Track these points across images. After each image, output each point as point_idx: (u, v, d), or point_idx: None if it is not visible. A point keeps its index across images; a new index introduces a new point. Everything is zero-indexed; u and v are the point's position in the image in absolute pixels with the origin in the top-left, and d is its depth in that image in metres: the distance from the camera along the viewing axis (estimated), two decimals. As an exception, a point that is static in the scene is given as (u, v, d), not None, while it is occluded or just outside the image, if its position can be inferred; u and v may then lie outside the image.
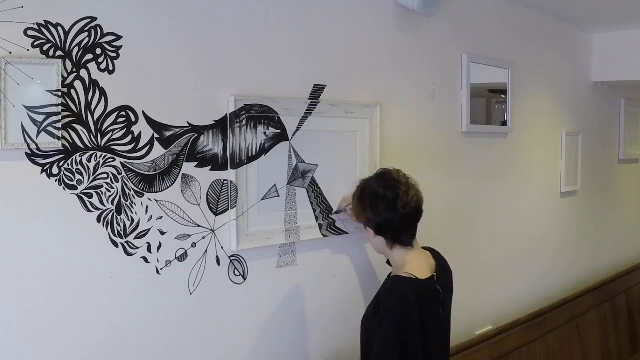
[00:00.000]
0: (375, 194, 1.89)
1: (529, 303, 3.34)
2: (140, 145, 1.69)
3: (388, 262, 2.03)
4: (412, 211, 1.87)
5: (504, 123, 3.10)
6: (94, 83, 1.59)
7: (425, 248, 2.00)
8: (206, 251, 1.85)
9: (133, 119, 1.67)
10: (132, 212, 1.68)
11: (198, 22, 1.80)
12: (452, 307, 2.01)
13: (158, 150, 1.73)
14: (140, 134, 1.69)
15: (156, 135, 1.72)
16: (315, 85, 2.13)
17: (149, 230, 1.72)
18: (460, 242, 2.84)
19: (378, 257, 2.41)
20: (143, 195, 1.70)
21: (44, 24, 1.49)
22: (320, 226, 2.14)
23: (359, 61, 2.29)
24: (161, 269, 1.75)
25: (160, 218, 1.74)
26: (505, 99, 3.08)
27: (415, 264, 1.87)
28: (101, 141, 1.62)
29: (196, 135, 1.81)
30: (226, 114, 1.87)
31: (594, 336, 3.64)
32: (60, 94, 1.51)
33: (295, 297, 2.12)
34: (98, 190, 1.61)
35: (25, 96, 1.46)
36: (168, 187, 1.75)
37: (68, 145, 1.55)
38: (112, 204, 1.64)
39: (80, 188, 1.58)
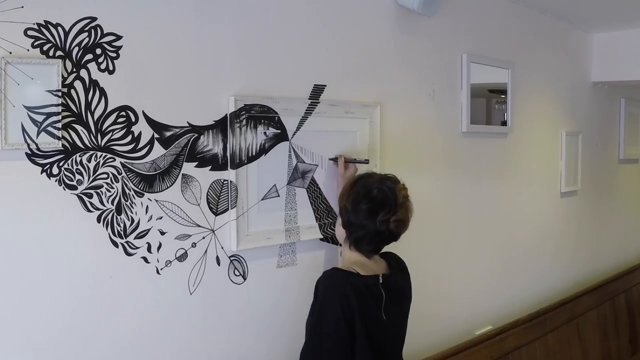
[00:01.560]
0: (366, 190, 1.80)
1: (529, 303, 3.34)
2: (140, 145, 1.69)
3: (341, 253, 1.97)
4: (386, 231, 1.77)
5: (504, 123, 3.10)
6: (94, 83, 1.59)
7: (384, 255, 1.91)
8: (206, 251, 1.85)
9: (133, 119, 1.67)
10: (132, 212, 1.68)
11: (198, 22, 1.80)
12: (407, 321, 1.91)
13: (158, 150, 1.73)
14: (140, 134, 1.69)
15: (156, 135, 1.72)
16: (315, 85, 2.13)
17: (149, 230, 1.72)
18: (459, 242, 2.84)
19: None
20: (143, 195, 1.70)
21: (44, 24, 1.49)
22: (321, 226, 2.14)
23: (359, 61, 2.29)
24: (161, 269, 1.75)
25: (160, 218, 1.74)
26: (505, 98, 3.08)
27: (362, 264, 1.82)
28: (101, 141, 1.62)
29: (196, 135, 1.81)
30: (226, 114, 1.87)
31: (594, 336, 3.64)
32: (60, 94, 1.51)
33: (295, 297, 2.11)
34: (98, 190, 1.61)
35: (25, 96, 1.46)
36: (168, 187, 1.75)
37: (68, 145, 1.55)
38: (112, 204, 1.64)
39: (80, 188, 1.58)
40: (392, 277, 1.85)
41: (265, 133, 1.96)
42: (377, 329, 1.76)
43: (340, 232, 1.91)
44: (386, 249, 1.90)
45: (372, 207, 1.77)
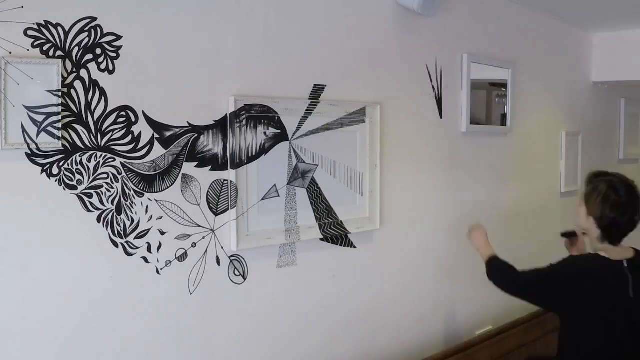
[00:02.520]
0: (616, 193, 2.09)
1: (529, 303, 3.33)
2: (140, 145, 1.69)
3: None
4: (631, 228, 2.12)
5: (504, 117, 3.10)
6: (94, 83, 1.59)
7: (632, 247, 2.18)
8: (206, 251, 1.85)
9: (133, 119, 1.67)
10: (132, 212, 1.68)
11: (198, 22, 1.80)
12: None
13: (158, 150, 1.73)
14: (140, 134, 1.69)
15: (156, 135, 1.72)
16: (315, 85, 2.13)
17: (149, 230, 1.72)
18: (459, 242, 2.84)
19: (378, 257, 2.41)
20: (143, 195, 1.70)
21: (44, 24, 1.49)
22: (321, 226, 2.14)
23: (359, 61, 2.29)
24: (161, 269, 1.75)
25: (160, 218, 1.74)
26: (506, 92, 3.07)
27: (609, 250, 2.11)
28: (101, 141, 1.62)
29: (196, 135, 1.81)
30: (226, 114, 1.87)
31: (594, 336, 3.63)
32: (60, 94, 1.51)
33: (295, 297, 2.12)
34: (98, 190, 1.61)
35: (25, 96, 1.46)
36: (168, 187, 1.75)
37: (68, 145, 1.55)
38: (112, 204, 1.64)
39: (80, 188, 1.58)
40: (634, 261, 2.11)
41: (265, 133, 1.96)
42: (620, 305, 2.05)
43: (590, 231, 2.19)
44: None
45: (623, 211, 2.09)
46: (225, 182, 1.88)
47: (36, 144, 1.48)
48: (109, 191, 1.63)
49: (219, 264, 1.89)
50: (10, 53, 1.44)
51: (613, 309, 2.05)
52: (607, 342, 2.06)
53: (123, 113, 1.65)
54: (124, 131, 1.66)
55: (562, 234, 2.57)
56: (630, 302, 2.06)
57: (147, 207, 1.71)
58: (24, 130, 1.46)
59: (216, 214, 1.87)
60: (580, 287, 2.05)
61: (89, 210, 1.60)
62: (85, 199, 1.59)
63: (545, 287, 2.14)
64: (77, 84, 1.56)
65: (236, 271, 1.94)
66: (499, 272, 2.25)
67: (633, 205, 2.10)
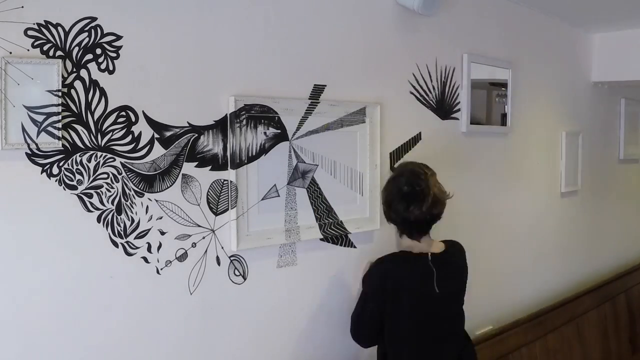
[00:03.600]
0: (397, 190, 1.99)
1: (529, 303, 3.34)
2: (140, 145, 1.69)
3: None
4: (424, 218, 1.99)
5: (504, 117, 3.10)
6: (94, 83, 1.59)
7: (445, 241, 2.12)
8: (206, 251, 1.85)
9: (133, 119, 1.67)
10: (132, 212, 1.68)
11: (198, 22, 1.80)
12: (464, 293, 2.14)
13: (158, 150, 1.73)
14: (140, 134, 1.69)
15: (156, 135, 1.72)
16: (315, 85, 2.13)
17: (149, 230, 1.72)
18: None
19: (378, 256, 2.41)
20: (143, 195, 1.70)
21: (44, 24, 1.49)
22: (321, 226, 2.14)
23: (359, 61, 2.29)
24: (161, 269, 1.75)
25: (160, 218, 1.74)
26: (506, 91, 3.07)
27: (413, 247, 2.04)
28: (101, 141, 1.62)
29: (196, 135, 1.81)
30: (226, 114, 1.87)
31: (594, 336, 3.63)
32: (60, 94, 1.51)
33: (295, 297, 2.12)
34: (98, 190, 1.61)
35: (25, 96, 1.46)
36: (168, 187, 1.75)
37: (68, 145, 1.55)
38: (112, 204, 1.64)
39: (81, 188, 1.58)
40: (443, 255, 2.04)
41: (265, 133, 1.96)
42: (427, 300, 1.98)
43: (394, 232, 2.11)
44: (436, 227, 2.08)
45: (406, 204, 1.97)
46: (225, 182, 1.88)
47: (36, 144, 1.48)
48: (109, 191, 1.63)
49: (219, 264, 1.89)
50: (11, 53, 1.44)
51: (420, 306, 1.97)
52: (422, 345, 1.99)
53: (123, 113, 1.65)
54: (124, 131, 1.66)
55: None
56: (436, 297, 1.98)
57: (147, 207, 1.71)
58: (24, 130, 1.46)
59: (216, 214, 1.87)
60: (388, 292, 1.95)
61: (89, 210, 1.60)
62: (86, 199, 1.59)
63: (368, 312, 2.01)
64: (77, 84, 1.56)
65: (236, 271, 1.94)
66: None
67: (415, 197, 1.95)
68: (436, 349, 2.02)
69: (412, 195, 1.96)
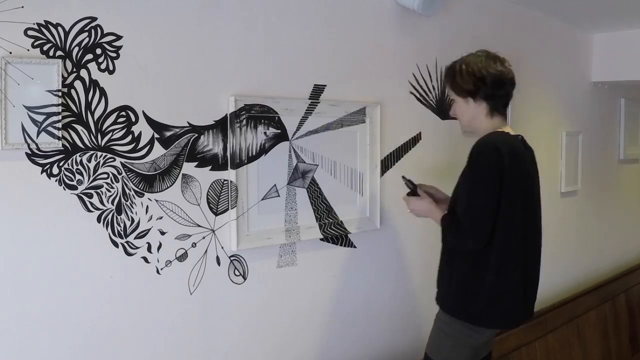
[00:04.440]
0: (484, 62, 1.97)
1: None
2: (140, 145, 1.69)
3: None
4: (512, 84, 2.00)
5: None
6: (94, 83, 1.59)
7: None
8: (206, 251, 1.86)
9: (133, 119, 1.67)
10: (132, 212, 1.68)
11: (198, 22, 1.80)
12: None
13: (158, 150, 1.73)
14: (140, 134, 1.69)
15: (156, 135, 1.72)
16: (315, 85, 2.13)
17: (149, 230, 1.72)
18: (460, 242, 2.84)
19: (378, 257, 2.41)
20: (143, 195, 1.70)
21: (44, 24, 1.49)
22: (321, 226, 2.14)
23: (359, 61, 2.29)
24: (161, 269, 1.75)
25: (161, 218, 1.74)
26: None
27: (499, 126, 2.00)
28: (101, 141, 1.62)
29: (196, 135, 1.81)
30: (226, 114, 1.87)
31: (594, 336, 3.63)
32: (60, 94, 1.51)
33: (295, 297, 2.12)
34: (98, 190, 1.61)
35: (26, 96, 1.46)
36: (168, 187, 1.75)
37: (68, 145, 1.55)
38: (112, 204, 1.64)
39: (81, 188, 1.58)
40: (523, 139, 2.06)
41: (265, 133, 1.96)
42: (532, 183, 1.98)
43: (469, 114, 2.04)
44: None
45: (499, 72, 1.97)
46: (225, 182, 1.88)
47: (36, 144, 1.48)
48: (109, 191, 1.63)
49: (219, 264, 1.89)
50: (11, 53, 1.44)
51: (532, 187, 1.97)
52: (526, 218, 1.92)
53: (123, 113, 1.65)
54: (124, 131, 1.66)
55: (405, 179, 2.16)
56: (536, 182, 2.02)
57: (147, 207, 1.71)
58: (24, 130, 1.46)
59: (216, 214, 1.87)
60: (506, 170, 1.86)
61: (89, 210, 1.60)
62: (86, 199, 1.59)
63: (495, 195, 1.85)
64: (77, 84, 1.56)
65: (236, 271, 1.94)
66: (454, 228, 1.94)
67: (503, 60, 2.00)
68: (535, 242, 1.98)
69: (499, 58, 2.01)
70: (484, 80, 1.95)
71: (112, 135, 1.63)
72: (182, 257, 1.80)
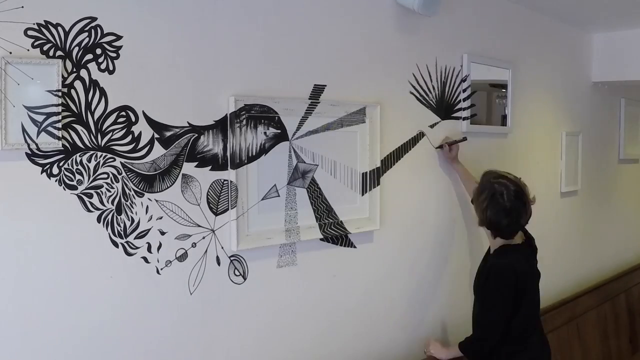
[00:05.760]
0: (499, 196, 2.21)
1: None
2: (140, 145, 1.69)
3: None
4: (519, 228, 2.30)
5: (504, 117, 3.10)
6: (94, 83, 1.59)
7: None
8: (206, 251, 1.86)
9: (133, 119, 1.67)
10: (132, 212, 1.68)
11: (198, 22, 1.80)
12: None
13: (158, 150, 1.73)
14: (140, 134, 1.69)
15: (156, 135, 1.72)
16: (315, 85, 2.13)
17: (149, 230, 1.72)
18: (459, 243, 2.84)
19: (378, 257, 2.42)
20: (143, 195, 1.70)
21: (44, 24, 1.49)
22: (321, 226, 2.14)
23: (359, 61, 2.29)
24: (161, 269, 1.75)
25: (161, 218, 1.74)
26: (506, 93, 3.07)
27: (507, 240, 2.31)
28: (101, 141, 1.62)
29: (196, 135, 1.81)
30: (226, 114, 1.87)
31: (594, 336, 3.63)
32: (60, 94, 1.51)
33: (295, 297, 2.12)
34: (98, 190, 1.61)
35: (25, 96, 1.46)
36: (168, 187, 1.75)
37: (68, 145, 1.55)
38: (112, 204, 1.64)
39: (81, 188, 1.58)
40: (527, 240, 2.40)
41: (265, 133, 1.96)
42: (535, 280, 2.32)
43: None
44: None
45: (507, 216, 2.21)
46: (225, 182, 1.88)
47: (36, 144, 1.48)
48: (109, 191, 1.63)
49: (219, 264, 1.89)
50: (10, 53, 1.44)
51: (535, 286, 2.31)
52: (532, 319, 2.30)
53: (123, 113, 1.65)
54: (124, 131, 1.66)
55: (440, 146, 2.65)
56: (538, 276, 2.35)
57: (147, 207, 1.71)
58: (24, 130, 1.46)
59: (216, 214, 1.87)
60: (519, 283, 2.20)
61: (89, 210, 1.60)
62: (86, 199, 1.59)
63: (507, 309, 2.20)
64: (77, 84, 1.56)
65: (236, 271, 1.94)
66: (473, 347, 2.30)
67: (517, 209, 2.21)
68: (539, 325, 2.36)
69: (515, 212, 2.20)
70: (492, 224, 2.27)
71: (112, 135, 1.63)
72: (182, 257, 1.80)
